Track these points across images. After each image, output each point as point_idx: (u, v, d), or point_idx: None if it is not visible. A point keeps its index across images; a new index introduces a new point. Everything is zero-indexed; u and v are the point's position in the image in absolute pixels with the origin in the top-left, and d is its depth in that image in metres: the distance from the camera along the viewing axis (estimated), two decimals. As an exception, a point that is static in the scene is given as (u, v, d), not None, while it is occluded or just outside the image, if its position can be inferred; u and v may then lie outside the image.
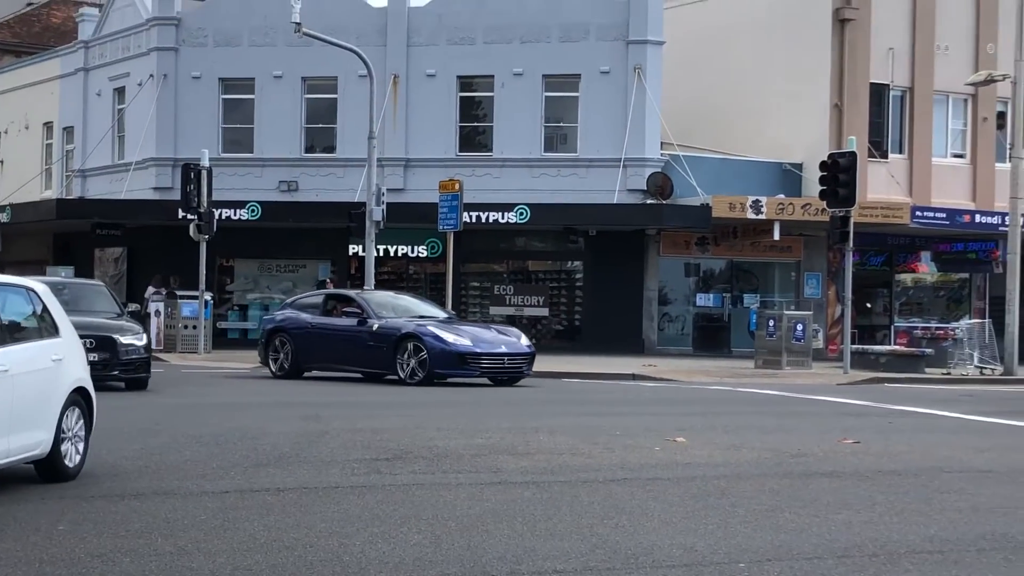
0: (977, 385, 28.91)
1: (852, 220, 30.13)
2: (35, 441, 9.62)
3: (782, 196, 36.34)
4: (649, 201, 36.30)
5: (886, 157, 38.59)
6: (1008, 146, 35.55)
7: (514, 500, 9.22)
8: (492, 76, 37.77)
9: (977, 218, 37.54)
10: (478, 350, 22.79)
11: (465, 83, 38.27)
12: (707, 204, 35.17)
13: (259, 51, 38.52)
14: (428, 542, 7.64)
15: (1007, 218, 33.43)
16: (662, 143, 37.06)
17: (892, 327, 38.06)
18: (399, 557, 7.21)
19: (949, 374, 31.27)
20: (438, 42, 37.92)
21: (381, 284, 34.25)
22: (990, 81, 34.10)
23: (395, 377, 22.81)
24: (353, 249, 37.30)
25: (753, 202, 35.16)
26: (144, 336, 20.37)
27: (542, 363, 25.32)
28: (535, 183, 36.94)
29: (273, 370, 24.44)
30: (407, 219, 34.58)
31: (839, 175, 29.69)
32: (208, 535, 7.76)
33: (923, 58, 38.99)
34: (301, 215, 36.96)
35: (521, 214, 35.49)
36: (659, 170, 36.66)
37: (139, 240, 38.87)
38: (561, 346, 36.58)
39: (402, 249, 38.24)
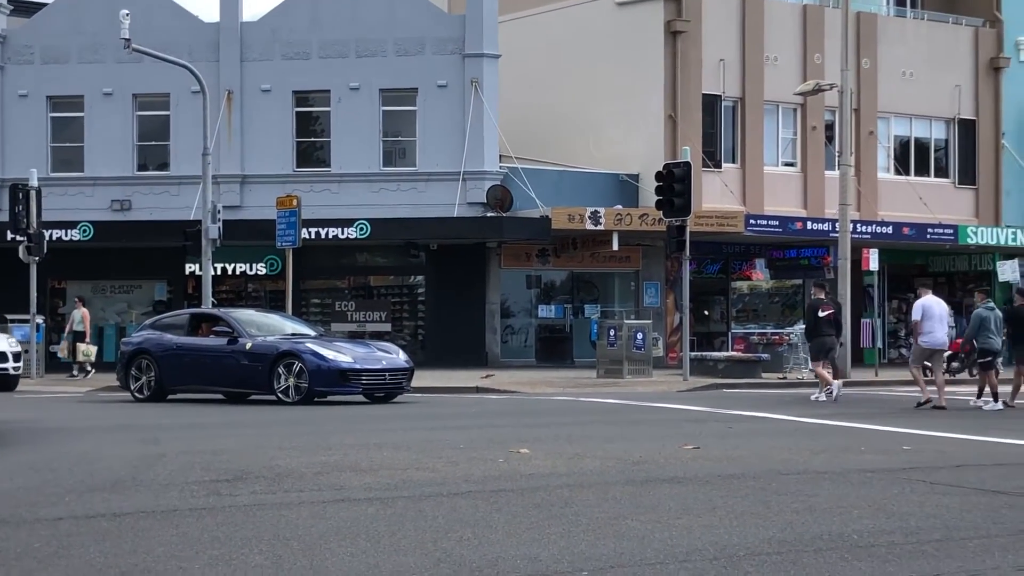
0: (812, 388, 29.58)
1: (688, 229, 30.67)
2: None
3: (620, 207, 36.84)
4: (489, 214, 36.47)
5: (720, 167, 39.37)
6: (836, 154, 36.59)
7: (357, 517, 9.15)
8: (328, 91, 37.60)
9: (809, 225, 38.53)
10: (359, 366, 22.45)
11: (301, 98, 38.02)
12: (547, 216, 35.47)
13: (88, 68, 37.75)
14: (269, 563, 7.53)
15: (837, 224, 34.37)
16: (501, 156, 37.28)
17: (729, 333, 38.83)
18: (240, 579, 7.09)
19: (785, 378, 31.98)
20: (272, 57, 37.60)
21: (220, 303, 33.78)
22: (818, 91, 35.02)
23: (271, 397, 22.30)
24: (190, 268, 36.75)
25: (592, 213, 35.56)
26: None
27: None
28: (375, 198, 36.85)
29: (135, 393, 23.80)
30: (245, 236, 34.20)
31: (674, 185, 30.21)
32: (42, 563, 7.54)
33: (753, 69, 39.89)
34: (135, 234, 36.29)
35: (361, 229, 35.34)
36: (498, 183, 36.86)
37: (-35, 263, 37.75)
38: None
39: (240, 267, 37.79)
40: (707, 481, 11.20)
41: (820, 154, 40.97)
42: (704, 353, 34.71)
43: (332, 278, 39.04)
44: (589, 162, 39.66)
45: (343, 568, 7.36)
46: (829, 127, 41.01)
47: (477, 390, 27.49)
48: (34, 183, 31.87)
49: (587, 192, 37.87)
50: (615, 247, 36.34)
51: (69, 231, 35.47)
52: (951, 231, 40.24)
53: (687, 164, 30.81)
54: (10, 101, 37.93)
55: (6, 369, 28.21)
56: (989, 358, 23.03)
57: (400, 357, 23.52)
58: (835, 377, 25.06)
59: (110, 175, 37.71)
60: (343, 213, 35.73)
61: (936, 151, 43.98)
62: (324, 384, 22.17)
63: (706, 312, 40.79)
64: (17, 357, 28.63)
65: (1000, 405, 22.51)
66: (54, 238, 34.07)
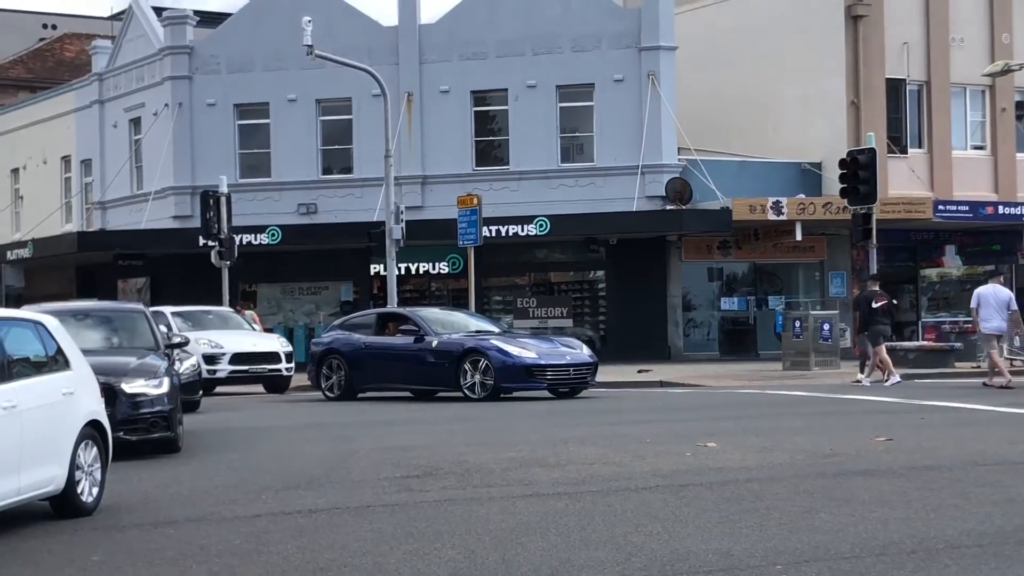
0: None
1: (874, 217, 30.05)
2: (48, 477, 9.45)
3: (802, 196, 36.27)
4: (668, 207, 36.28)
5: (905, 152, 38.49)
6: (1028, 135, 35.43)
7: (547, 512, 9.21)
8: (506, 89, 37.84)
9: (1000, 209, 37.40)
10: (543, 362, 22.46)
11: (479, 98, 38.34)
12: (727, 207, 35.12)
13: (272, 75, 38.66)
14: (462, 557, 7.62)
15: (1030, 208, 33.31)
16: (679, 148, 37.05)
17: (920, 323, 37.84)
18: (434, 573, 7.20)
19: (979, 367, 31.08)
20: (450, 58, 38.00)
21: (404, 302, 34.27)
22: (1007, 71, 33.98)
23: (458, 394, 22.57)
24: (374, 268, 37.35)
25: (774, 203, 35.09)
26: (166, 382, 14.01)
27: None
28: (553, 194, 36.97)
29: (326, 392, 24.24)
30: (427, 236, 34.63)
31: (859, 172, 29.63)
32: (243, 560, 7.77)
33: (938, 51, 38.89)
34: (321, 237, 37.05)
35: (541, 226, 35.49)
36: (677, 175, 36.64)
37: (161, 269, 39.01)
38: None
39: (423, 266, 38.28)
40: (901, 473, 10.98)
41: (1010, 136, 39.73)
42: (894, 343, 33.97)
43: (513, 275, 39.28)
44: (769, 151, 39.14)
45: (534, 563, 7.41)
46: (1019, 108, 39.74)
47: (662, 384, 27.39)
48: (224, 189, 32.76)
49: (768, 182, 37.37)
50: (798, 237, 35.78)
51: (258, 235, 36.37)
52: None
53: (872, 150, 30.18)
54: (199, 110, 39.07)
55: (279, 370, 27.41)
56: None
57: (584, 352, 23.52)
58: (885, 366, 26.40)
59: (296, 179, 38.57)
60: (522, 210, 35.92)
61: None
62: (509, 380, 22.25)
63: (895, 301, 39.89)
64: (289, 358, 27.79)
65: (898, 378, 25.62)
66: (244, 242, 34.96)
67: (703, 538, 8.07)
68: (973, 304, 25.22)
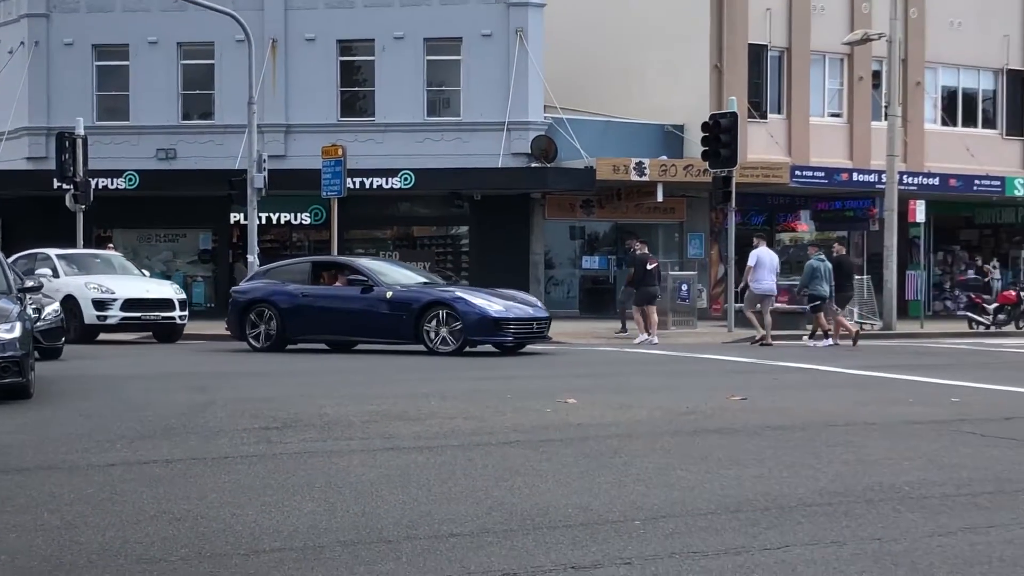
0: (860, 341, 29.43)
1: (734, 180, 30.49)
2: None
3: (665, 158, 36.64)
4: (533, 164, 36.36)
5: (765, 117, 39.07)
6: (884, 105, 36.21)
7: (407, 465, 9.18)
8: (373, 40, 37.50)
9: (855, 176, 38.19)
10: (510, 315, 22.36)
11: (345, 47, 37.93)
12: (591, 167, 35.32)
13: (133, 16, 37.79)
14: (322, 510, 7.56)
15: (883, 176, 34.05)
16: (545, 106, 37.12)
17: (775, 285, 38.56)
18: (293, 525, 7.13)
19: (830, 330, 31.79)
20: (316, 5, 37.53)
21: (265, 252, 33.89)
22: (866, 40, 34.62)
23: (416, 347, 22.31)
24: (235, 217, 36.88)
25: (636, 164, 35.38)
26: (18, 326, 13.51)
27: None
28: (418, 148, 36.80)
29: (251, 342, 23.53)
30: (289, 186, 34.25)
31: (720, 136, 30.01)
32: (96, 508, 7.61)
33: (800, 18, 39.48)
34: (180, 183, 36.41)
35: (405, 179, 35.34)
36: (543, 133, 36.73)
37: (13, 212, 37.96)
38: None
39: (285, 216, 37.89)
40: (756, 432, 11.18)
41: (867, 105, 40.57)
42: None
43: (375, 228, 39.07)
44: (634, 113, 39.43)
45: (395, 516, 7.38)
46: (876, 77, 40.58)
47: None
48: (80, 132, 31.94)
49: (632, 143, 37.66)
50: (660, 198, 36.17)
51: (115, 180, 35.61)
52: (998, 183, 39.80)
53: (733, 115, 30.58)
54: (56, 50, 38.03)
55: (172, 318, 26.74)
56: (819, 302, 27.11)
57: (540, 306, 23.85)
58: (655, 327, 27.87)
59: (155, 124, 37.80)
60: (387, 163, 35.71)
61: (984, 101, 43.44)
62: (478, 333, 22.07)
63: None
64: (183, 305, 27.17)
65: (830, 341, 26.87)
66: (100, 187, 34.18)
67: (563, 493, 8.11)
68: (751, 263, 27.28)
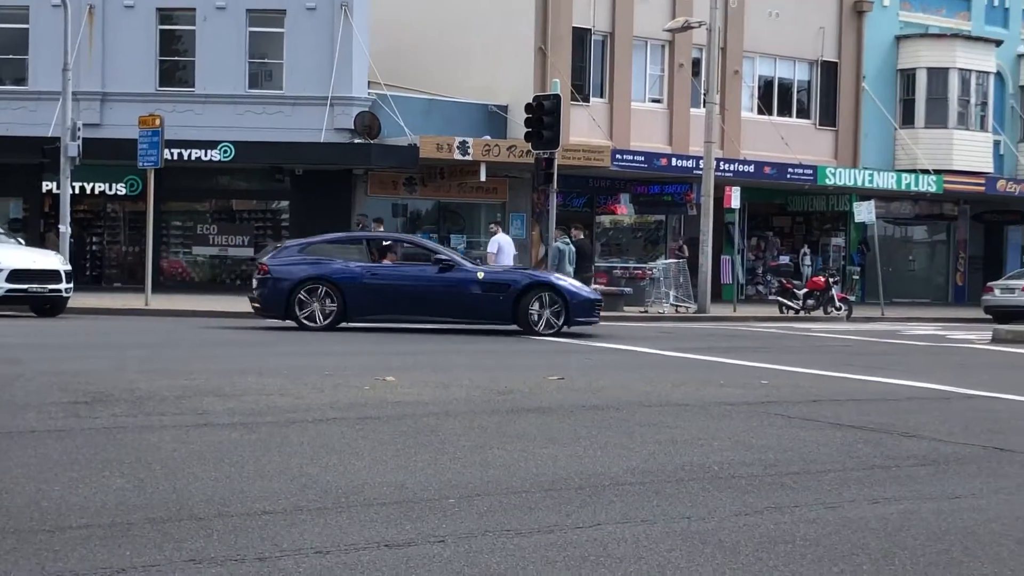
0: (673, 323, 30.02)
1: (556, 162, 30.73)
2: None
3: (488, 138, 36.74)
4: (356, 140, 36.11)
5: (588, 101, 39.46)
6: (702, 92, 36.89)
7: (221, 442, 9.04)
8: (194, 9, 36.78)
9: (673, 162, 38.85)
10: (599, 297, 23.87)
11: (165, 16, 37.12)
12: (415, 144, 35.24)
13: (-58, -25, 36.40)
14: (132, 486, 7.40)
15: (701, 162, 34.70)
16: (370, 82, 36.89)
17: (593, 267, 39.06)
18: (101, 502, 6.96)
19: (646, 312, 32.35)
20: (137, -28, 36.65)
21: (78, 223, 33.02)
22: (686, 28, 35.22)
23: (510, 327, 22.79)
24: (47, 186, 35.83)
25: (460, 143, 35.41)
26: None
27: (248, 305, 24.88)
28: (240, 120, 36.23)
29: (304, 321, 22.57)
30: (105, 155, 33.42)
31: (543, 117, 30.21)
32: None
33: (623, 3, 39.96)
34: (-10, 150, 35.23)
35: (225, 152, 34.76)
36: (366, 109, 36.50)
37: None
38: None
39: (99, 186, 36.96)
40: (572, 412, 11.29)
41: (686, 92, 41.29)
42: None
43: (194, 200, 38.38)
44: (459, 92, 39.45)
45: (207, 493, 7.26)
46: (696, 65, 41.32)
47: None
48: None
49: (456, 122, 37.69)
50: (483, 178, 36.28)
51: (-80, 144, 34.33)
52: (811, 171, 40.92)
53: (556, 97, 30.81)
54: None
55: (59, 291, 25.08)
56: None
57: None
58: None
59: (-36, 88, 36.55)
60: (207, 135, 35.08)
61: (799, 92, 44.59)
62: (580, 314, 22.86)
63: (570, 245, 40.96)
64: (69, 277, 25.55)
65: None
66: (-95, 152, 32.94)
67: (378, 471, 8.08)
68: (491, 249, 28.41)
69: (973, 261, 48.47)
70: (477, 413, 10.99)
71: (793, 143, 42.21)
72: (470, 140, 35.67)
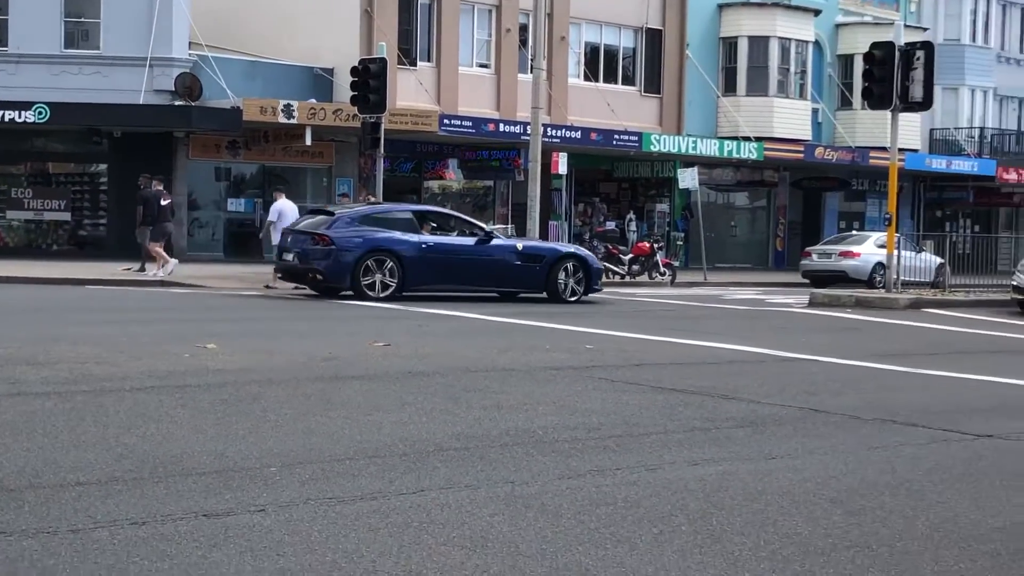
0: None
1: (383, 127, 30.53)
2: None
3: (314, 101, 36.33)
4: (177, 102, 35.35)
5: (415, 65, 39.29)
6: (530, 58, 37.01)
7: (34, 412, 8.79)
8: (6, -35, 35.53)
9: (501, 127, 38.93)
10: (602, 267, 26.50)
11: (-25, -29, 35.80)
12: (238, 107, 34.65)
13: None
14: (-63, 460, 7.15)
15: (529, 128, 34.85)
16: (191, 43, 36.13)
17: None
18: (-96, 477, 6.71)
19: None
20: (-56, -76, 35.25)
21: None
22: (514, -6, 35.17)
23: (537, 295, 24.25)
24: None
25: (285, 106, 34.94)
26: None
27: (66, 270, 24.27)
28: (55, 81, 35.16)
29: (370, 293, 22.72)
30: (-90, 115, 32.14)
31: (370, 81, 29.96)
32: None
33: (451, -32, 39.81)
34: None
35: (40, 113, 33.74)
36: (187, 71, 35.75)
37: None
38: (87, 253, 35.23)
39: (-95, 148, 35.58)
40: (397, 378, 11.27)
41: (514, 57, 41.38)
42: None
43: (7, 163, 37.16)
44: (284, 54, 38.92)
45: (19, 464, 7.06)
46: (523, 30, 41.42)
47: (163, 283, 26.81)
48: None
49: (281, 85, 37.17)
50: (308, 142, 35.87)
51: None
52: (636, 138, 41.43)
53: (383, 60, 30.58)
54: None
55: None
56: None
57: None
58: (171, 256, 29.12)
59: None
60: (21, 95, 33.97)
61: (624, 59, 45.05)
62: (595, 281, 24.82)
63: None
64: None
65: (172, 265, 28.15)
66: None
67: (198, 440, 7.95)
68: (272, 217, 27.93)
69: (792, 227, 49.67)
70: (300, 380, 10.90)
71: (619, 110, 42.65)
72: (295, 103, 35.22)
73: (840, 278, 35.81)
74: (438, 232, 24.59)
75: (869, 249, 36.28)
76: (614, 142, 41.13)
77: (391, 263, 23.11)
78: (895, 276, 28.08)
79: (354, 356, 12.94)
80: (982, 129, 53.50)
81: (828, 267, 36.86)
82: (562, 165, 34.73)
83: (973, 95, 53.26)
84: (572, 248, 25.96)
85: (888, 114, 28.62)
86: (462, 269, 23.85)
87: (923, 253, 33.82)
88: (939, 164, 48.97)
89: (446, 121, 37.76)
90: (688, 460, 7.94)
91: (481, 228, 25.07)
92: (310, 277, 23.52)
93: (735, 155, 43.53)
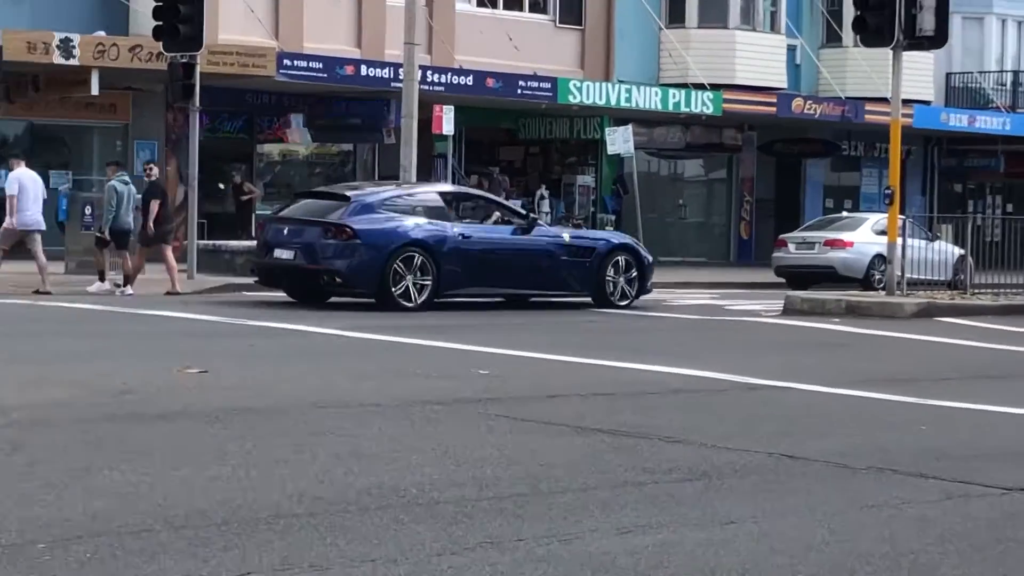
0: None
1: (198, 69, 30.36)
2: None
3: (102, 34, 35.98)
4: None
5: (243, -15, 39.09)
6: (403, -25, 36.96)
7: None
8: None
9: (364, 71, 38.77)
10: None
11: None
12: (-6, 42, 34.24)
13: None
14: None
15: (401, 71, 34.78)
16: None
17: (255, 216, 38.78)
18: None
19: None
20: None
21: None
22: None
23: (582, 299, 25.45)
24: None
25: (62, 41, 34.54)
26: None
27: None
28: None
29: (404, 303, 23.42)
30: None
31: (179, 6, 29.77)
32: None
33: None
34: None
35: None
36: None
37: None
38: None
39: None
40: (218, 417, 11.22)
41: (381, -26, 41.33)
42: (219, 242, 34.57)
43: None
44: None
45: None
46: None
47: None
48: None
49: (55, 12, 36.78)
50: (95, 91, 35.50)
51: None
52: (549, 85, 41.51)
53: (196, -22, 30.42)
54: None
55: None
56: (125, 238, 27.75)
57: None
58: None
59: None
60: None
61: (533, -23, 45.21)
62: (647, 281, 26.12)
63: (221, 185, 40.63)
64: None
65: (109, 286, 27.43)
66: None
67: (-64, 507, 7.85)
68: (11, 191, 27.24)
69: (762, 206, 50.06)
70: (84, 421, 10.83)
71: (526, 47, 42.71)
72: (76, 37, 34.85)
73: (826, 276, 36.18)
74: (468, 220, 25.34)
75: (865, 236, 36.61)
76: (519, 91, 41.21)
77: (425, 261, 23.72)
78: (899, 273, 28.41)
79: (158, 387, 12.86)
80: (1016, 73, 54.36)
81: (810, 261, 37.22)
82: (447, 123, 34.73)
83: (1004, 27, 54.10)
84: (623, 238, 27.65)
85: (889, 53, 28.97)
86: (503, 267, 24.81)
87: (938, 242, 34.10)
88: (959, 121, 49.67)
89: (287, 62, 37.58)
90: (616, 527, 7.97)
91: (521, 214, 26.21)
92: (332, 279, 24.06)
93: (684, 109, 43.80)
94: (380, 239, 23.74)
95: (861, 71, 47.89)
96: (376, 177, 41.53)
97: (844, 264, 36.54)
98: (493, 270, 24.60)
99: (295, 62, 37.88)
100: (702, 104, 43.88)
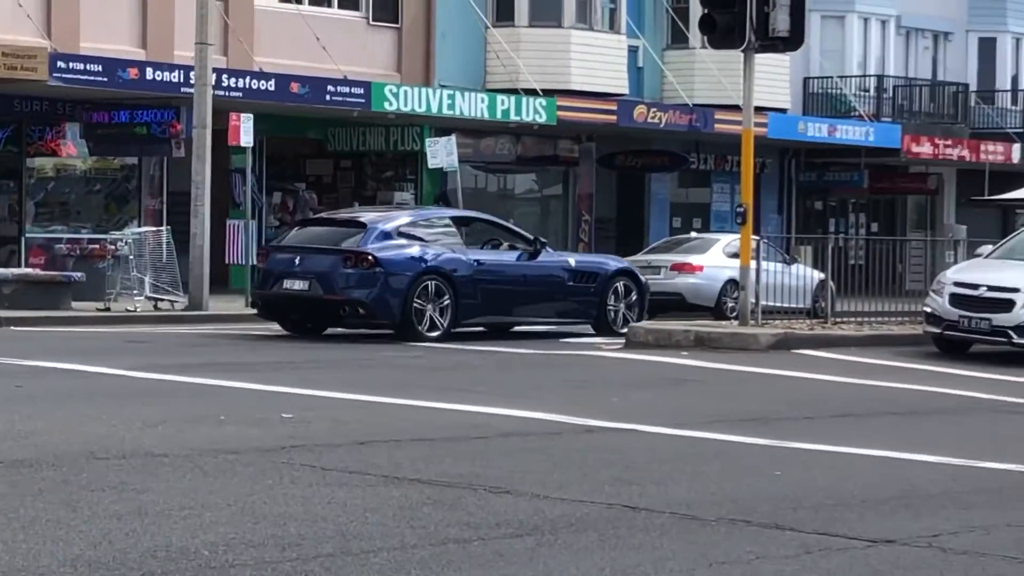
0: (150, 325, 29.89)
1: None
2: None
3: None
4: None
5: (13, -22, 38.71)
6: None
7: None
8: None
9: (149, 74, 38.47)
10: None
11: None
12: None
13: None
14: None
15: (192, 74, 34.60)
16: None
17: (23, 239, 38.34)
18: None
19: (108, 310, 32.07)
20: None
21: None
22: None
23: (579, 327, 27.56)
24: None
25: None
26: None
27: None
28: None
29: (424, 332, 25.12)
30: None
31: (-62, 1, 29.41)
32: None
33: None
34: None
35: None
36: None
37: None
38: None
39: None
40: (-22, 471, 11.08)
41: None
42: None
43: None
44: None
45: None
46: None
47: None
48: None
49: None
50: None
51: None
52: (362, 91, 41.45)
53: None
54: None
55: None
56: None
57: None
58: None
59: None
60: None
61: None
62: (645, 306, 28.18)
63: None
64: None
65: None
66: None
67: None
68: None
69: (602, 226, 50.33)
70: None
71: (335, 48, 42.64)
72: None
73: (673, 304, 36.45)
74: (473, 245, 26.73)
75: (716, 260, 36.99)
76: (328, 97, 41.12)
77: (443, 289, 25.11)
78: (753, 301, 28.68)
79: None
80: (880, 78, 55.21)
81: (656, 288, 37.41)
82: (245, 133, 34.57)
83: (867, 27, 54.95)
84: (621, 262, 29.82)
85: (740, 55, 29.29)
86: (513, 294, 26.81)
87: (796, 265, 34.51)
88: (818, 131, 50.26)
89: (62, 64, 37.22)
90: (436, 590, 7.98)
91: (527, 238, 27.94)
92: (344, 312, 25.41)
93: (514, 117, 43.97)
94: (402, 267, 25.18)
95: (711, 75, 48.27)
96: (164, 195, 41.23)
97: (693, 291, 36.84)
98: (507, 298, 26.25)
99: (71, 64, 37.48)
100: (534, 112, 44.08)
